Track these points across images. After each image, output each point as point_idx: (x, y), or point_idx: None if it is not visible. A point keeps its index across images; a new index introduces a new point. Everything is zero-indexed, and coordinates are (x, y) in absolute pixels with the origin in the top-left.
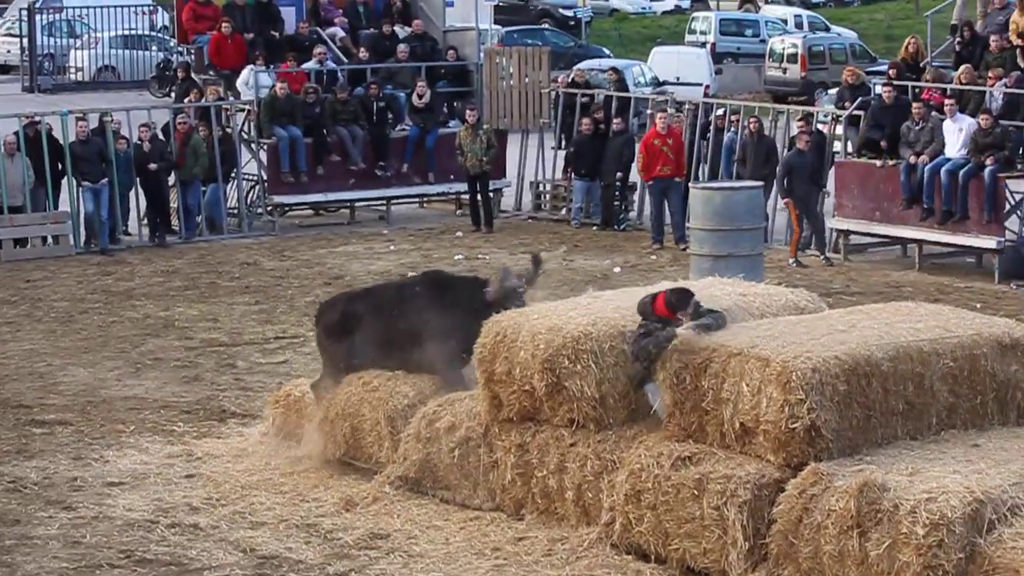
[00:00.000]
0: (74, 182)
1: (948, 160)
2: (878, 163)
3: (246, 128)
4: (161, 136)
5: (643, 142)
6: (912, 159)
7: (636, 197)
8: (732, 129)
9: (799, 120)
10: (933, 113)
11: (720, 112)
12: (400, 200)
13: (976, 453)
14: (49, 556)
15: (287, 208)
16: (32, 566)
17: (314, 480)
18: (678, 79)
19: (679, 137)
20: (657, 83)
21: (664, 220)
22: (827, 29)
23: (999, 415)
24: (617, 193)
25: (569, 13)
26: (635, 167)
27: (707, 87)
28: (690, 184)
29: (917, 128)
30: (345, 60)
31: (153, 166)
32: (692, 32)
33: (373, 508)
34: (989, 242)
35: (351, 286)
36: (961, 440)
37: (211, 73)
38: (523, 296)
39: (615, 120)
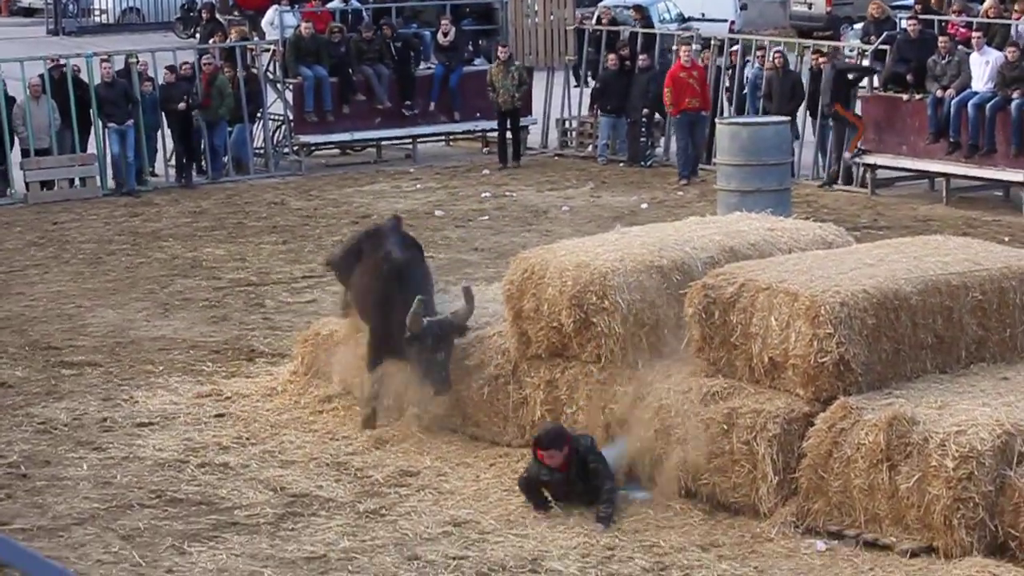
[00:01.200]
0: (100, 124)
1: (975, 94)
2: (904, 97)
3: (271, 68)
4: (187, 76)
5: (669, 76)
6: (939, 93)
7: (663, 133)
8: (756, 64)
9: (814, 53)
10: (959, 47)
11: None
12: (426, 138)
13: (1005, 386)
14: (80, 496)
15: (313, 148)
16: (63, 507)
17: (343, 419)
18: (703, 15)
19: (703, 70)
20: (682, 19)
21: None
22: None
23: None
24: (643, 129)
25: None
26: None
27: (732, 23)
28: (716, 120)
29: (943, 62)
30: None
31: (182, 106)
32: None
33: (403, 446)
34: (1016, 175)
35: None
36: (990, 373)
37: (236, 14)
38: (450, 334)
39: (641, 56)
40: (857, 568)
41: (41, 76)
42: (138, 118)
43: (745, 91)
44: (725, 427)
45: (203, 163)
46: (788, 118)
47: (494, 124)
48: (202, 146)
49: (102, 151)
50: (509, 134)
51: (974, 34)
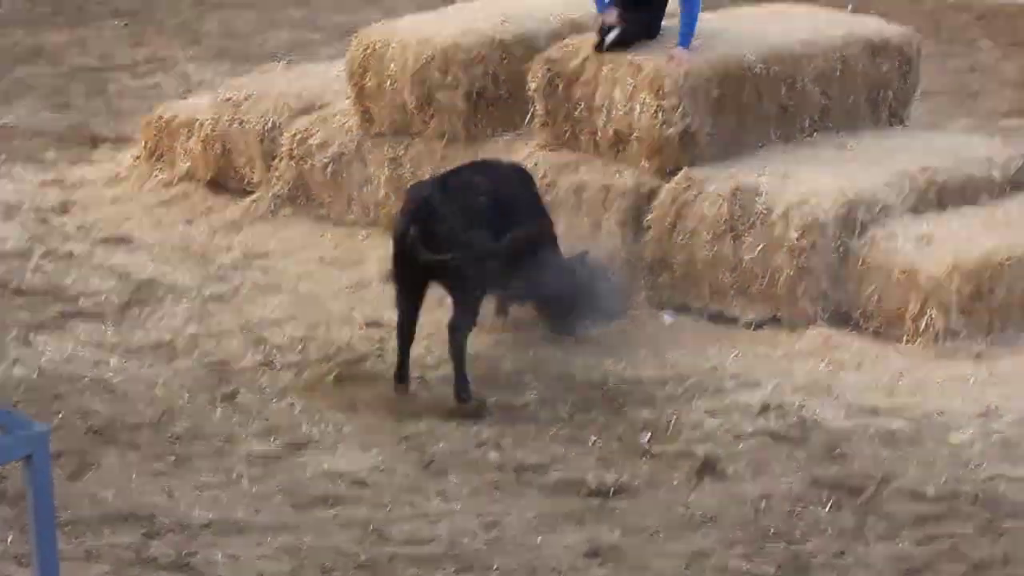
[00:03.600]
0: None
1: None
2: None
3: None
4: None
5: None
6: None
7: None
8: None
9: None
10: None
11: None
12: None
13: (848, 155)
14: None
15: None
16: None
17: (187, 204)
18: None
19: None
20: None
21: None
22: None
23: (871, 116)
24: None
25: None
26: None
27: None
28: None
29: None
30: None
31: None
32: None
33: (248, 230)
34: None
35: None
36: (833, 142)
37: None
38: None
39: None
40: (702, 340)
41: None
42: None
43: None
44: (576, 201)
45: None
46: None
47: None
48: None
49: None
50: None
51: None
